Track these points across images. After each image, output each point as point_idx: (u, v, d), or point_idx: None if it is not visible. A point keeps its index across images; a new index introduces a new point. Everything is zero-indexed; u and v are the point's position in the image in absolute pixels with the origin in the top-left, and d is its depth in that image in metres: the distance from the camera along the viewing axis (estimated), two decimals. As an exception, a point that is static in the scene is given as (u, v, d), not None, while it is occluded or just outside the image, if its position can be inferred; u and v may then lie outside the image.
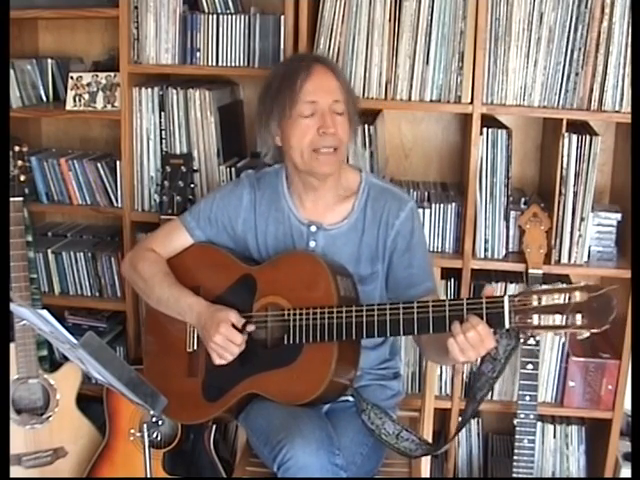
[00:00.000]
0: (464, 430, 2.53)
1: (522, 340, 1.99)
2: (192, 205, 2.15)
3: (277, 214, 1.92)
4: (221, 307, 1.82)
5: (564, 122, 2.19)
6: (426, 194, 2.43)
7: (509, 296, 1.54)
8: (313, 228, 1.90)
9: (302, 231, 1.90)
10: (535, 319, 1.50)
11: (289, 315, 1.75)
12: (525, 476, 2.26)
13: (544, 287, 1.52)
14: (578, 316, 1.46)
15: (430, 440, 2.04)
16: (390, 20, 2.22)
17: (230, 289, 1.89)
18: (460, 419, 1.82)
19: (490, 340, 1.56)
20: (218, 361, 1.80)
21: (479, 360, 1.67)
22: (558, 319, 1.48)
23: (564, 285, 1.50)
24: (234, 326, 1.77)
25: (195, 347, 1.91)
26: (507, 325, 1.54)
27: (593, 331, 1.47)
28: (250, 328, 1.80)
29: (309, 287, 1.77)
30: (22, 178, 2.34)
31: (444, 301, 1.61)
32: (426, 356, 2.04)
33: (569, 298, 1.47)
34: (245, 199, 1.94)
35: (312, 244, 1.90)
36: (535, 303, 1.50)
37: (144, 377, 1.92)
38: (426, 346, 1.88)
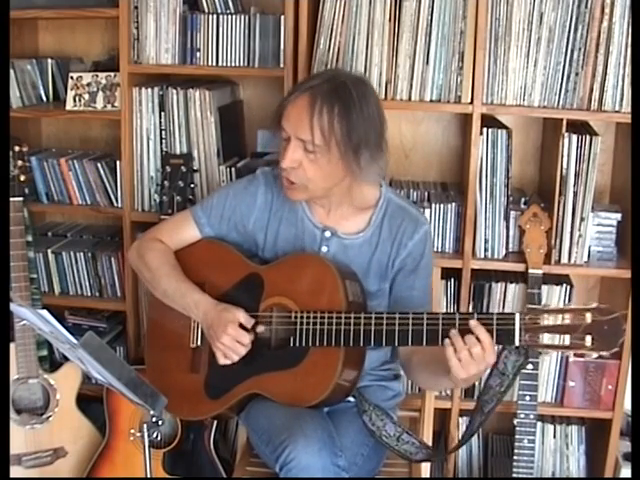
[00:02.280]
0: (464, 430, 2.53)
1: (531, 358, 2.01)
2: (204, 198, 2.13)
3: (290, 215, 1.90)
4: (228, 306, 1.80)
5: (564, 122, 2.19)
6: (426, 194, 2.43)
7: (520, 313, 1.54)
8: (327, 234, 1.88)
9: (315, 235, 1.89)
10: (545, 338, 1.51)
11: (296, 317, 1.75)
12: (525, 476, 2.26)
13: (555, 307, 1.53)
14: (588, 338, 1.47)
15: (430, 440, 2.04)
16: (390, 20, 2.22)
17: (236, 287, 1.87)
18: (465, 430, 1.81)
19: (492, 354, 1.55)
20: (223, 361, 1.78)
21: (487, 373, 1.66)
22: (567, 339, 1.49)
23: (575, 306, 1.51)
24: (242, 326, 1.77)
25: (199, 343, 1.90)
26: (517, 342, 1.53)
27: (602, 353, 1.48)
28: (260, 329, 1.79)
29: (317, 290, 1.76)
30: (22, 178, 2.34)
31: (454, 314, 1.61)
32: (416, 378, 1.94)
33: (580, 319, 1.48)
34: (260, 198, 1.91)
35: (324, 249, 1.88)
36: (546, 322, 1.50)
37: (146, 371, 1.94)
38: (421, 365, 1.82)
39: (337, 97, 1.71)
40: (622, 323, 1.47)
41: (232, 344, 1.75)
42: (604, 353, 1.47)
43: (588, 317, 1.47)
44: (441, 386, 1.95)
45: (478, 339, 1.54)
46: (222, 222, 1.94)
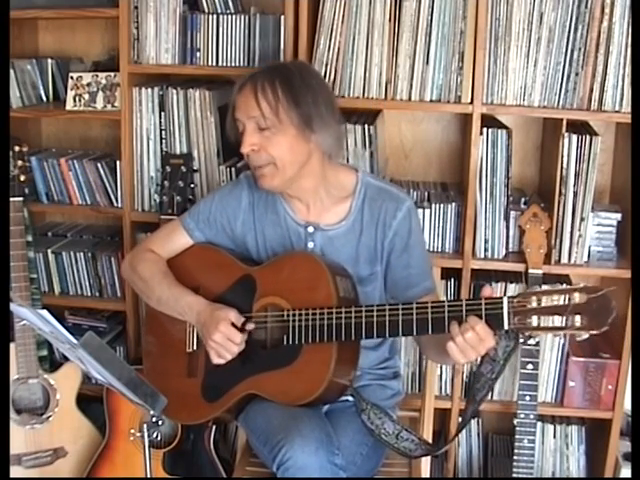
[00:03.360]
0: (464, 430, 2.53)
1: (521, 341, 2.00)
2: (192, 206, 2.15)
3: (273, 216, 1.92)
4: (221, 306, 1.82)
5: (564, 122, 2.19)
6: (426, 194, 2.43)
7: (508, 297, 1.53)
8: (310, 229, 1.89)
9: (300, 232, 1.90)
10: (534, 320, 1.50)
11: (288, 316, 1.75)
12: (525, 476, 2.26)
13: (543, 288, 1.52)
14: (577, 317, 1.46)
15: (430, 440, 2.04)
16: (390, 20, 2.22)
17: (230, 289, 1.88)
18: (460, 420, 1.82)
19: (490, 339, 1.55)
20: (216, 360, 1.79)
21: (478, 360, 1.67)
22: (557, 320, 1.48)
23: (563, 286, 1.50)
24: (234, 325, 1.78)
25: (195, 347, 1.91)
26: (506, 326, 1.53)
27: (592, 332, 1.46)
28: (250, 326, 1.80)
29: (309, 288, 1.77)
30: (22, 178, 2.34)
31: (443, 302, 1.61)
32: (427, 356, 2.04)
33: (568, 299, 1.47)
34: (244, 201, 1.94)
35: (310, 245, 1.89)
36: (534, 304, 1.50)
37: (144, 377, 1.94)
38: (426, 346, 1.89)
39: (277, 73, 1.79)
40: (611, 300, 1.45)
41: (224, 341, 1.76)
42: (594, 332, 1.46)
43: (576, 297, 1.46)
44: (448, 363, 2.13)
45: (471, 327, 1.54)
46: (210, 226, 1.96)
